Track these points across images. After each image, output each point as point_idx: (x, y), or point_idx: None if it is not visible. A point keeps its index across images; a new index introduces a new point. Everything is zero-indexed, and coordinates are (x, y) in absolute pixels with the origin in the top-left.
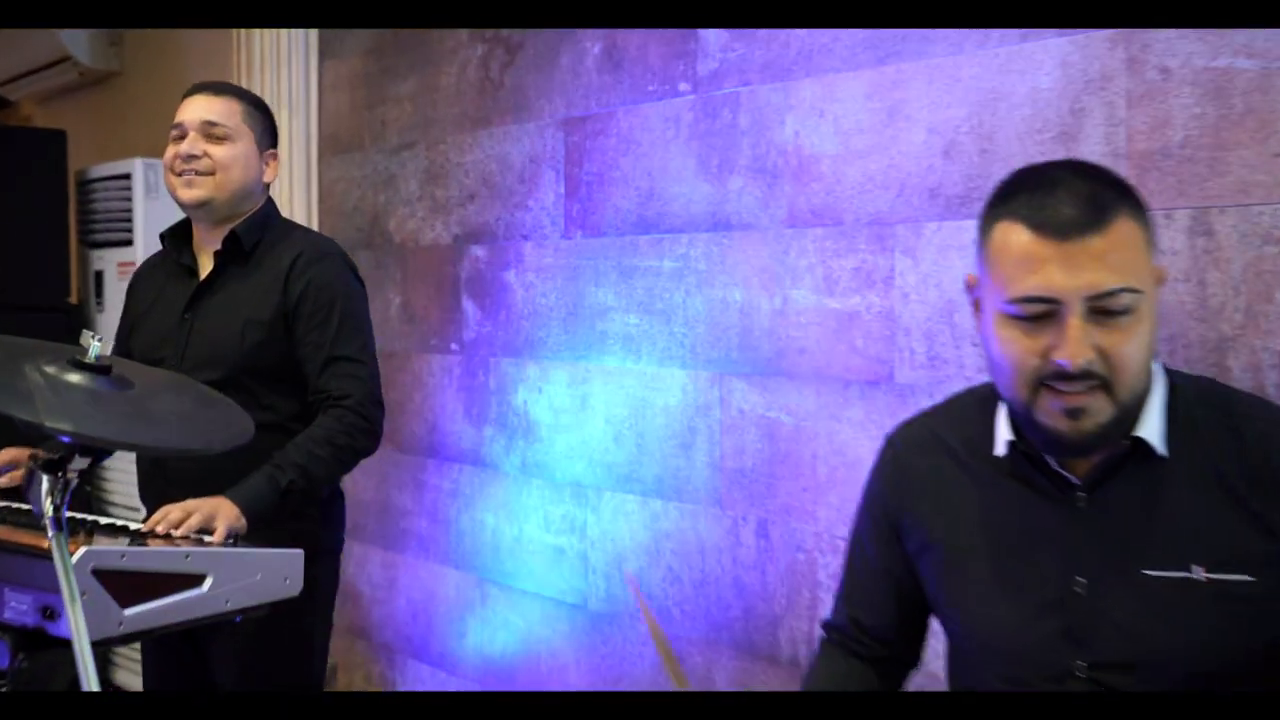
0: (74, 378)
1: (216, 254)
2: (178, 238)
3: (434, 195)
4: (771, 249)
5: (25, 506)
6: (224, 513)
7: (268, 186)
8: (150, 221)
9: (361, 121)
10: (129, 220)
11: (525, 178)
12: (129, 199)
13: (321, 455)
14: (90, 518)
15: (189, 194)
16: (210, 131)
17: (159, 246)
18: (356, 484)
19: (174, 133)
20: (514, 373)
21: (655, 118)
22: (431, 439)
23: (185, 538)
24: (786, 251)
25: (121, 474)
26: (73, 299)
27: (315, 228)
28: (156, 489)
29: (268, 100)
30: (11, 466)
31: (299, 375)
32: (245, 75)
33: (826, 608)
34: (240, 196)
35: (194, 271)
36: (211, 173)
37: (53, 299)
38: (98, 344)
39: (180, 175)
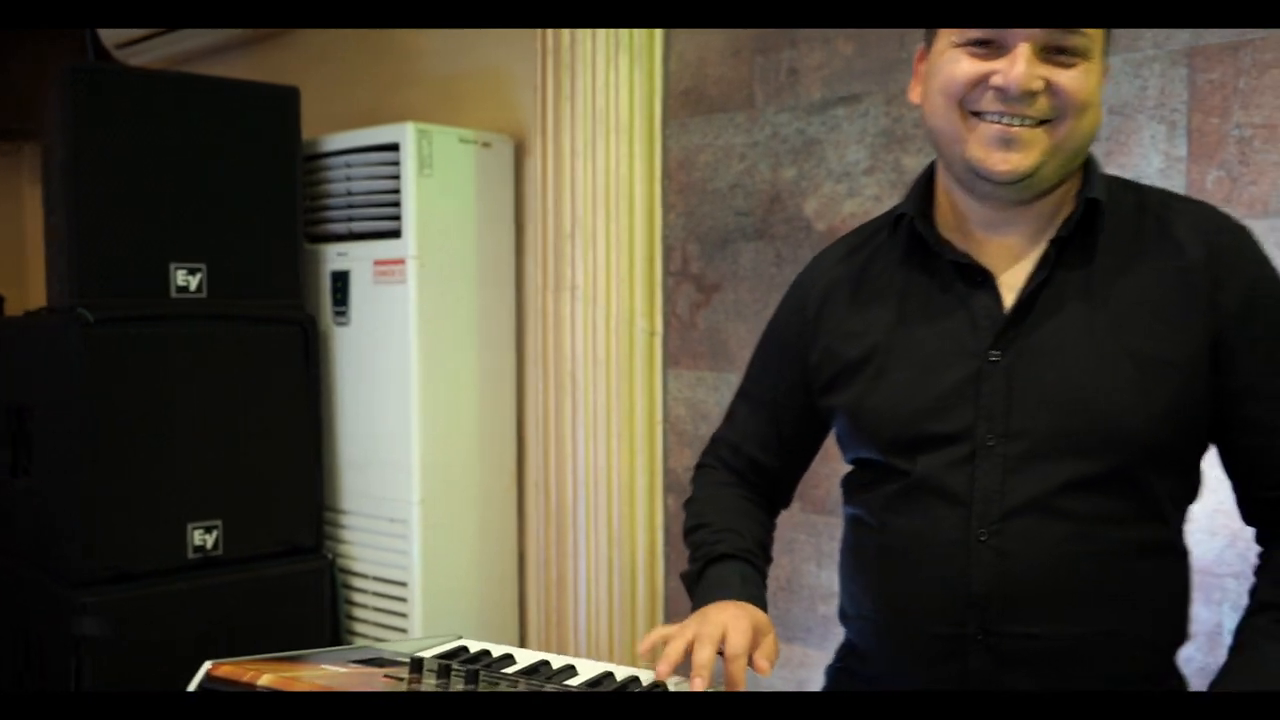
0: None
1: (1058, 246)
2: (925, 218)
3: (900, 164)
4: None
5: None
6: None
7: None
8: (425, 206)
9: (746, 71)
10: (395, 205)
11: (1099, 135)
12: (396, 177)
13: None
14: None
15: (1009, 161)
16: (1060, 43)
17: (438, 240)
18: None
19: (976, 34)
20: None
21: None
22: None
23: None
24: None
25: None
26: None
27: (658, 211)
28: (948, 664)
29: (571, 42)
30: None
31: (1196, 452)
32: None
33: None
34: (1079, 158)
35: (974, 276)
36: (1051, 121)
37: (282, 309)
38: None
39: (991, 121)
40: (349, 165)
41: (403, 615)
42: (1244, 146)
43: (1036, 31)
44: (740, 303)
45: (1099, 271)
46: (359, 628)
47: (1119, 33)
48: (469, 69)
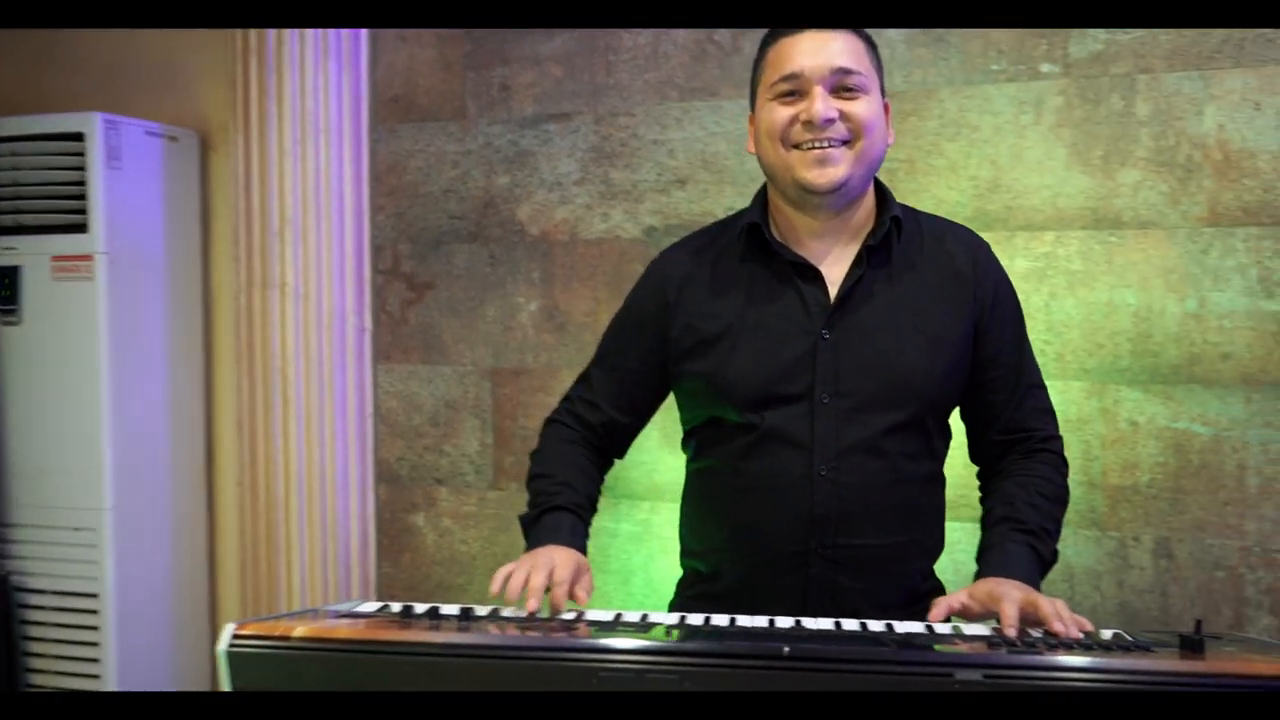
0: None
1: (868, 251)
2: (756, 228)
3: (609, 178)
4: (1184, 249)
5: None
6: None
7: None
8: (114, 201)
9: (458, 85)
10: (79, 198)
11: None
12: (79, 169)
13: (1059, 518)
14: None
15: (825, 175)
16: (844, 83)
17: (126, 236)
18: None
19: (782, 86)
20: None
21: (1002, 100)
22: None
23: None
24: (1206, 251)
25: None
26: None
27: (366, 209)
28: (806, 571)
29: (277, 43)
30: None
31: (954, 407)
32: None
33: (1256, 624)
34: (875, 170)
35: (805, 272)
36: (850, 141)
37: None
38: None
39: (805, 149)
40: (16, 154)
41: (92, 629)
42: (895, 178)
43: (826, 77)
44: (454, 299)
45: (896, 271)
46: (39, 647)
47: None
48: (141, 59)
